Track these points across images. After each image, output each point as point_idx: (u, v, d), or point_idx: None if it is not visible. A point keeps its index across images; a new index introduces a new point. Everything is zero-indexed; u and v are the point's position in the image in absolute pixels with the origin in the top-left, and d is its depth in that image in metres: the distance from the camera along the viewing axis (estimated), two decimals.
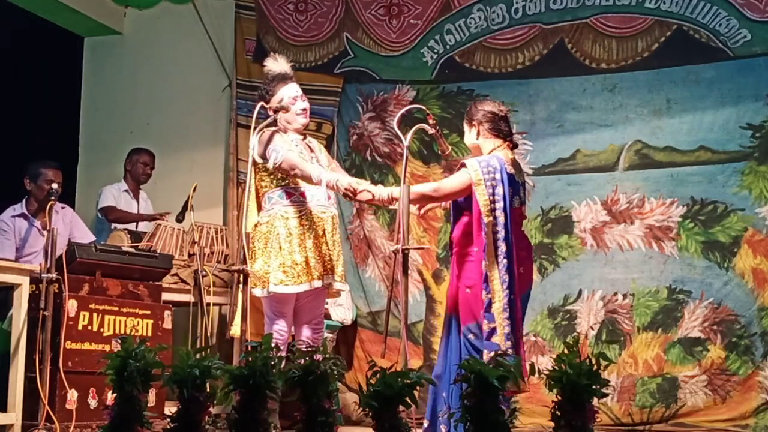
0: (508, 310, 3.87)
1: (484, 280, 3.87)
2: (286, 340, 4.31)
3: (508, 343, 3.85)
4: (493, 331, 3.85)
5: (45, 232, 4.91)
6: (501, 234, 3.92)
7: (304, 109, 4.45)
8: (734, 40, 5.80)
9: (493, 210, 3.93)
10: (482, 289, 3.87)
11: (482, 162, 4.01)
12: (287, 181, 4.37)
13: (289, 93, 4.43)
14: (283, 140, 4.36)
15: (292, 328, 4.43)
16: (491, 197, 3.93)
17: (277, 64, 4.54)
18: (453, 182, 4.07)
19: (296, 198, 4.36)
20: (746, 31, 5.78)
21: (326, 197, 4.39)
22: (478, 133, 4.14)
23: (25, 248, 5.36)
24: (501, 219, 3.94)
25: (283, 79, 4.48)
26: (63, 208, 5.45)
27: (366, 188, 4.16)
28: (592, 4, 6.11)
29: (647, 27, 5.99)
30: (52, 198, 4.68)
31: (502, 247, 3.91)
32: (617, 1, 6.07)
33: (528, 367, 3.65)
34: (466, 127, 4.22)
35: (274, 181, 4.38)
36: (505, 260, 3.91)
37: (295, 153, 4.32)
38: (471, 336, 3.92)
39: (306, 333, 4.43)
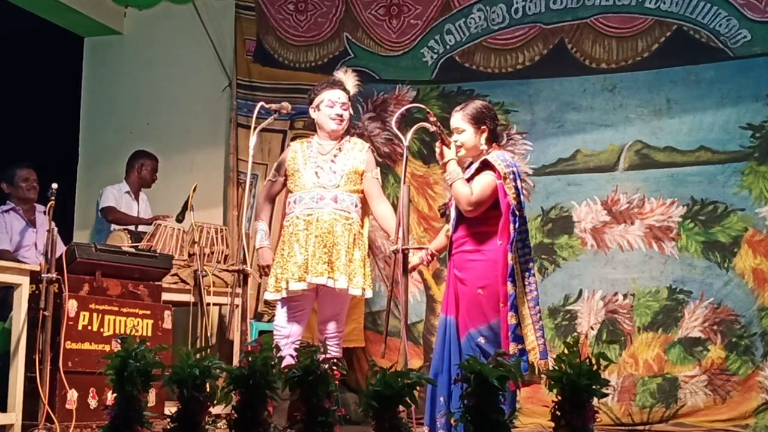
0: (539, 305, 3.87)
1: (510, 273, 3.80)
2: (292, 340, 4.28)
3: (543, 338, 3.83)
4: (517, 324, 3.79)
5: (34, 229, 5.44)
6: (526, 227, 3.94)
7: (339, 115, 4.43)
8: (734, 40, 5.81)
9: (519, 203, 3.88)
10: (506, 282, 3.79)
11: (500, 156, 3.96)
12: (292, 187, 4.48)
13: (330, 96, 4.44)
14: (291, 155, 4.48)
15: (301, 330, 4.43)
16: (517, 190, 3.89)
17: (339, 73, 4.61)
18: (485, 189, 3.91)
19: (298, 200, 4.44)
20: (746, 31, 5.78)
21: (333, 199, 4.40)
22: (483, 135, 4.04)
23: (19, 242, 5.50)
24: (525, 212, 3.95)
25: (332, 84, 4.50)
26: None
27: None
28: (592, 4, 6.11)
29: (647, 27, 6.00)
30: (52, 198, 4.68)
31: (527, 241, 3.92)
32: (617, 1, 6.07)
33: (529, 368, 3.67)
34: (467, 126, 4.04)
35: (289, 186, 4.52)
36: (530, 255, 3.91)
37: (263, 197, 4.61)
38: (481, 339, 3.84)
39: (319, 334, 4.46)
